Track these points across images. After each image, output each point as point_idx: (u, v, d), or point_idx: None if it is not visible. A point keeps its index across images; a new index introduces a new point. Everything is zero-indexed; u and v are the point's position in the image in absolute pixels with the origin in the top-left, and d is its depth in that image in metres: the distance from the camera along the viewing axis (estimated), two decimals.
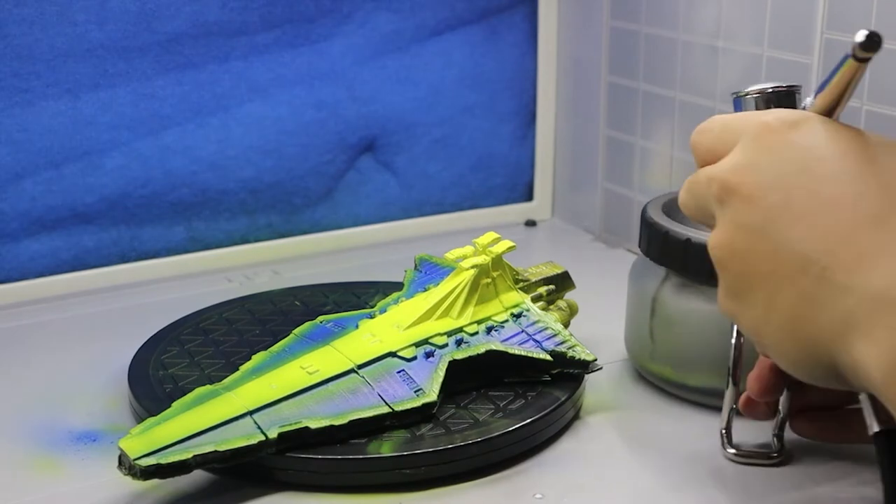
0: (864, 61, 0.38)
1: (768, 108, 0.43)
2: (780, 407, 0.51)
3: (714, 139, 0.41)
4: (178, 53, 0.75)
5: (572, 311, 0.63)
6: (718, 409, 0.54)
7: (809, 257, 0.36)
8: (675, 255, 0.55)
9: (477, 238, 0.60)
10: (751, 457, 0.52)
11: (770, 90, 0.44)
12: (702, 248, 0.53)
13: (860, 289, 0.34)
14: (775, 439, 0.52)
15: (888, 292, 0.33)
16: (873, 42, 0.36)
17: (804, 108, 0.42)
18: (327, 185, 0.83)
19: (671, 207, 0.59)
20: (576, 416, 0.57)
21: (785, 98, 0.44)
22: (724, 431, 0.53)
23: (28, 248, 0.73)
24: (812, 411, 0.50)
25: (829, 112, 0.40)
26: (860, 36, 0.37)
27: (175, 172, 0.77)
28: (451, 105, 0.85)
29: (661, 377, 0.58)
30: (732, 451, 0.52)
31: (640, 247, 0.59)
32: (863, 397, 0.40)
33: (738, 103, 0.45)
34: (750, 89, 0.45)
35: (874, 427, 0.39)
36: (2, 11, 0.69)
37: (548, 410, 0.54)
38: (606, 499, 0.50)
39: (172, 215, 0.77)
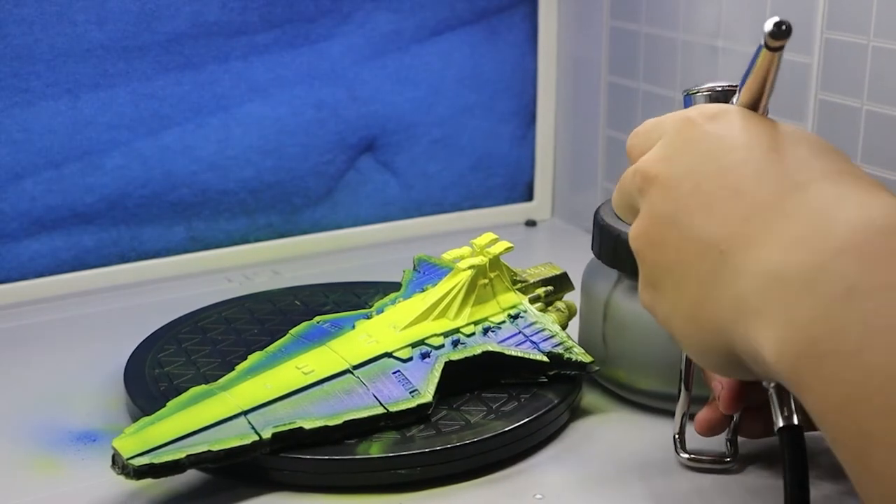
0: (776, 50, 0.38)
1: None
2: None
3: (644, 139, 0.42)
4: (178, 53, 0.75)
5: (570, 312, 0.63)
6: (671, 413, 0.54)
7: (709, 242, 0.37)
8: (627, 257, 0.54)
9: (475, 239, 0.60)
10: (704, 462, 0.51)
11: (719, 88, 0.44)
12: None
13: (752, 270, 0.35)
14: (728, 444, 0.52)
15: (776, 271, 0.34)
16: (782, 30, 0.37)
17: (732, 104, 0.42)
18: (327, 185, 0.83)
19: None
20: (572, 418, 0.57)
21: (733, 96, 0.43)
22: (677, 437, 0.52)
23: (28, 248, 0.74)
24: (754, 410, 0.50)
25: (754, 105, 0.41)
26: (769, 25, 0.37)
27: (175, 172, 0.77)
28: (451, 105, 0.85)
29: (614, 381, 0.58)
30: (686, 456, 0.52)
31: (592, 249, 0.59)
32: (771, 391, 0.40)
33: (688, 100, 0.45)
34: (700, 87, 0.45)
35: (778, 422, 0.39)
36: (2, 11, 0.69)
37: (541, 412, 0.54)
38: (606, 499, 0.50)
39: (172, 215, 0.78)
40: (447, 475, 0.51)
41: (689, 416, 0.52)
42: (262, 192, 0.80)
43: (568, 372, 0.57)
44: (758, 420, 0.50)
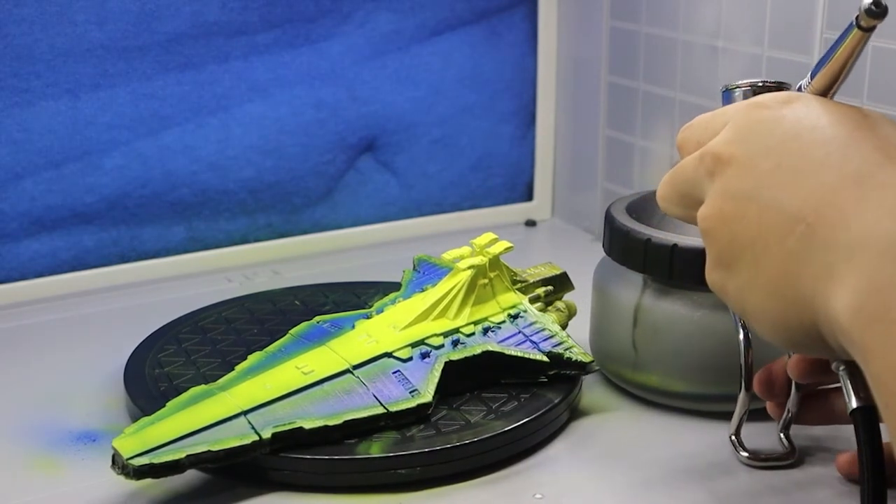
0: (869, 30, 0.38)
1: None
2: (789, 405, 0.51)
3: (702, 129, 0.42)
4: (178, 53, 0.75)
5: (570, 312, 0.63)
6: (703, 414, 0.53)
7: (795, 216, 0.37)
8: (657, 261, 0.54)
9: (475, 239, 0.60)
10: (764, 460, 0.51)
11: (760, 84, 0.44)
12: (688, 252, 0.53)
13: (842, 240, 0.35)
14: (783, 437, 0.52)
15: (866, 238, 0.34)
16: (878, 9, 0.37)
17: (800, 89, 0.43)
18: (327, 185, 0.83)
19: (638, 210, 0.58)
20: (572, 418, 0.57)
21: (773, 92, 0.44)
22: (734, 437, 0.52)
23: (28, 248, 0.74)
24: (812, 398, 0.50)
25: (826, 91, 0.41)
26: (865, 2, 0.37)
27: (175, 172, 0.77)
28: (451, 105, 0.85)
29: (646, 386, 0.57)
30: (745, 455, 0.52)
31: (613, 255, 0.57)
32: (842, 373, 0.40)
33: (728, 96, 0.45)
34: (740, 82, 0.45)
35: (852, 403, 0.39)
36: (2, 11, 0.69)
37: (540, 412, 0.54)
38: (606, 499, 0.50)
39: (172, 215, 0.78)
40: (447, 475, 0.51)
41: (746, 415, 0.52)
42: (262, 192, 0.80)
43: (568, 372, 0.57)
44: (815, 409, 0.51)
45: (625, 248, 0.56)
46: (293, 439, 0.50)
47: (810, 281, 0.36)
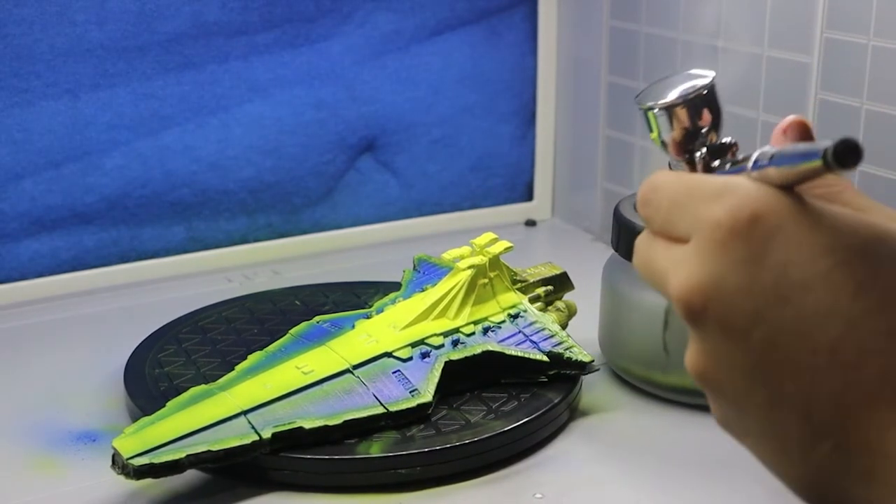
0: (833, 171, 0.29)
1: (677, 120, 0.36)
2: None
3: (663, 221, 0.34)
4: (178, 53, 0.75)
5: (570, 312, 0.63)
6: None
7: (818, 429, 0.30)
8: None
9: (475, 238, 0.60)
10: None
11: (679, 100, 0.36)
12: None
13: (887, 478, 0.29)
14: None
15: None
16: (852, 158, 0.28)
17: (752, 164, 0.33)
18: (327, 185, 0.83)
19: None
20: (572, 417, 0.57)
21: (700, 103, 0.36)
22: None
23: (28, 248, 0.74)
24: None
25: (783, 187, 0.32)
26: (840, 146, 0.28)
27: (175, 172, 0.77)
28: (451, 105, 0.85)
29: (678, 388, 0.57)
30: None
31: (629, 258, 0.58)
32: None
33: (646, 118, 0.37)
34: (655, 102, 0.37)
35: None
36: (2, 11, 0.69)
37: (540, 412, 0.54)
38: (607, 499, 0.50)
39: (172, 215, 0.78)
40: (447, 475, 0.51)
41: None
42: (262, 192, 0.80)
43: (568, 371, 0.57)
44: None
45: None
46: (293, 439, 0.50)
47: (847, 491, 0.30)
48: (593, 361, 0.57)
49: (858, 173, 0.66)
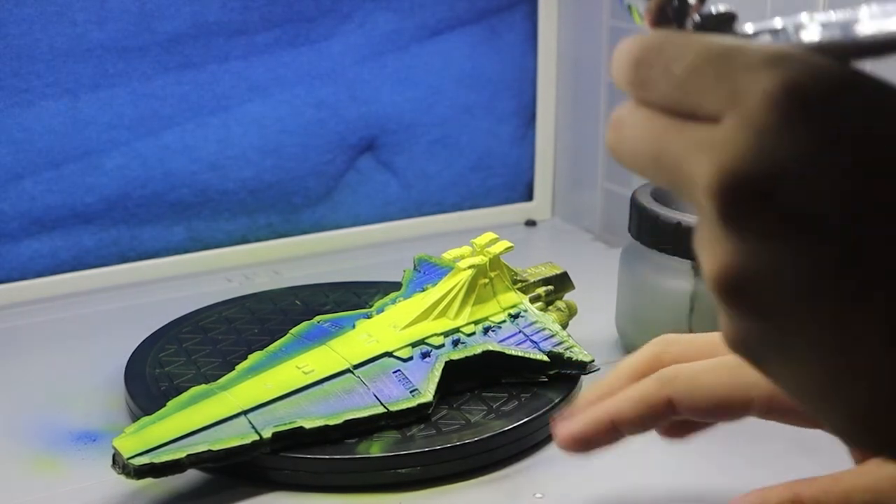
0: None
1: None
2: None
3: (674, 88, 0.26)
4: (178, 53, 0.75)
5: (571, 311, 0.63)
6: None
7: None
8: None
9: (475, 238, 0.60)
10: None
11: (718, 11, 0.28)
12: None
13: None
14: None
15: None
16: None
17: (791, 32, 0.27)
18: (327, 185, 0.83)
19: (664, 197, 0.59)
20: None
21: (721, 24, 0.28)
22: None
23: (28, 248, 0.73)
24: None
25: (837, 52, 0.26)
26: None
27: (175, 172, 0.77)
28: (451, 105, 0.85)
29: None
30: None
31: (653, 244, 0.58)
32: None
33: (630, 12, 0.30)
34: None
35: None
36: (2, 11, 0.69)
37: (541, 412, 0.54)
38: (607, 499, 0.50)
39: (172, 215, 0.78)
40: (447, 475, 0.51)
41: None
42: (262, 192, 0.80)
43: (568, 371, 0.57)
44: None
45: (678, 238, 0.56)
46: (293, 439, 0.50)
47: None
48: (593, 361, 0.57)
49: None
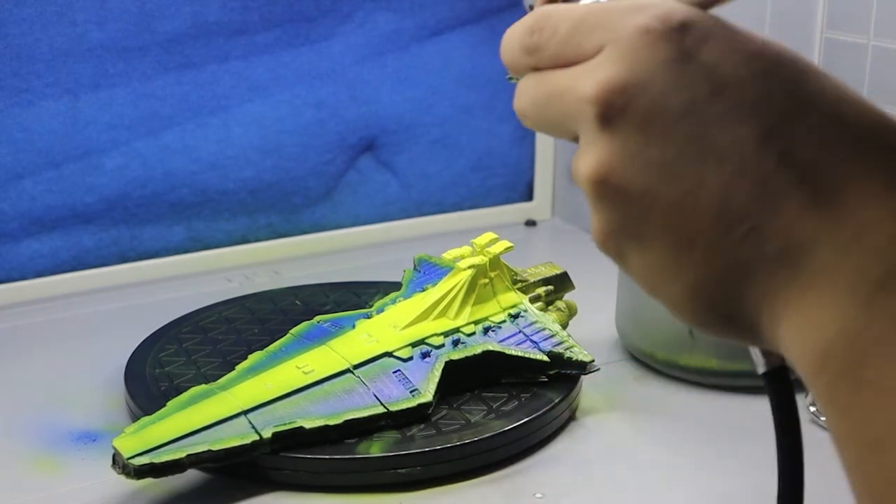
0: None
1: None
2: None
3: (562, 43, 0.32)
4: (178, 53, 0.75)
5: (571, 311, 0.63)
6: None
7: (736, 214, 0.30)
8: None
9: (475, 238, 0.60)
10: None
11: None
12: None
13: (803, 264, 0.29)
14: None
15: (833, 272, 0.29)
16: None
17: None
18: (327, 185, 0.83)
19: None
20: (572, 417, 0.57)
21: None
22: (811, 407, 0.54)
23: (28, 248, 0.73)
24: None
25: (708, 3, 0.33)
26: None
27: (175, 172, 0.77)
28: (451, 105, 0.85)
29: (703, 370, 0.59)
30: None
31: None
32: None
33: None
34: None
35: (761, 367, 0.35)
36: (2, 11, 0.69)
37: (541, 412, 0.54)
38: (607, 498, 0.50)
39: (172, 215, 0.78)
40: (447, 474, 0.51)
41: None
42: (262, 192, 0.80)
43: (568, 371, 0.57)
44: None
45: None
46: (293, 439, 0.50)
47: (753, 299, 0.31)
48: (593, 361, 0.57)
49: None
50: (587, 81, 0.31)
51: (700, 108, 0.30)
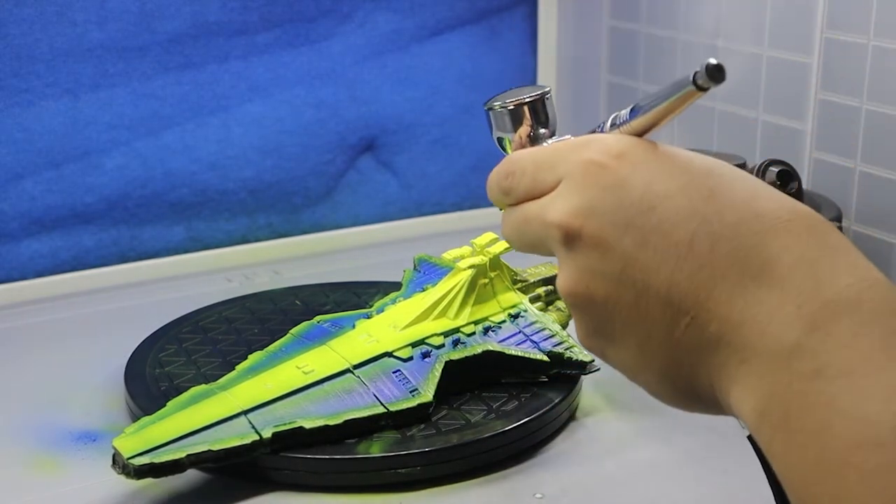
0: (704, 90, 0.35)
1: (520, 120, 0.43)
2: None
3: (530, 182, 0.39)
4: (178, 53, 0.75)
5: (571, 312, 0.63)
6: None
7: (679, 308, 0.35)
8: None
9: (475, 238, 0.60)
10: None
11: (527, 99, 0.43)
12: None
13: (733, 342, 0.34)
14: None
15: (754, 343, 0.34)
16: (721, 73, 0.35)
17: (616, 124, 0.39)
18: (327, 185, 0.83)
19: None
20: (572, 417, 0.57)
21: (539, 106, 0.43)
22: None
23: (28, 248, 0.74)
24: None
25: (644, 132, 0.38)
26: (710, 63, 0.34)
27: (175, 172, 0.77)
28: (451, 105, 0.85)
29: None
30: None
31: None
32: None
33: (489, 116, 0.45)
34: (502, 100, 0.44)
35: (747, 430, 0.39)
36: (2, 11, 0.69)
37: (541, 412, 0.54)
38: (607, 498, 0.50)
39: (172, 215, 0.78)
40: (447, 474, 0.51)
41: None
42: (262, 192, 0.80)
43: (568, 371, 0.57)
44: None
45: None
46: (293, 439, 0.50)
47: (706, 377, 0.35)
48: (593, 361, 0.57)
49: (859, 173, 0.66)
50: (550, 210, 0.38)
51: (640, 223, 0.36)
